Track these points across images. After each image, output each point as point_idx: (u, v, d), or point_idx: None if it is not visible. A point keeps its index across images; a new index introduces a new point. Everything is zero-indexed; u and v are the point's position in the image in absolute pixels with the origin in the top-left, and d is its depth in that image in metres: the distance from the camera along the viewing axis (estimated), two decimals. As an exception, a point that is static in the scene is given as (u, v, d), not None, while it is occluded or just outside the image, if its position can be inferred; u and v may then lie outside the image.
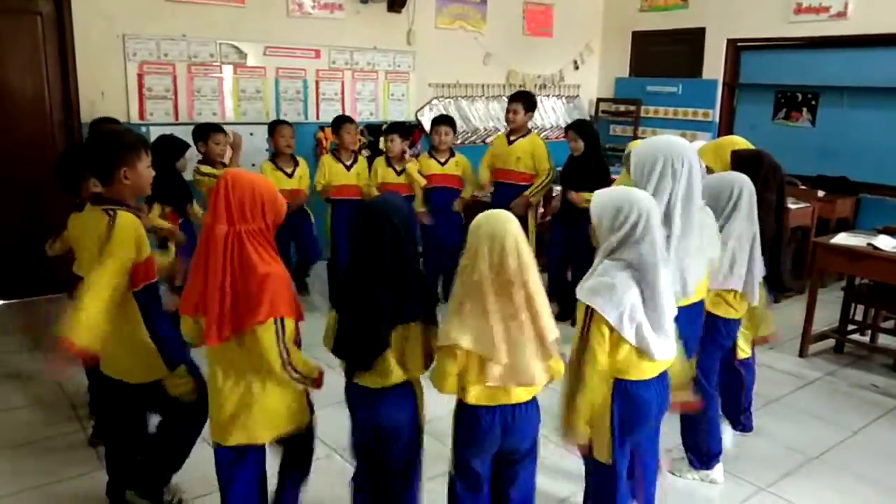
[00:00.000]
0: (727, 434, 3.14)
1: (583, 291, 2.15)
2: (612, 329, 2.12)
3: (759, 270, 2.91)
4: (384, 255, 2.09)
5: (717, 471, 3.06)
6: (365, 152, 6.22)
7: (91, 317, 2.18)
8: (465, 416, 2.14)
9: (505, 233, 1.99)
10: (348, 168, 4.93)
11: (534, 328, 2.01)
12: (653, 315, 2.14)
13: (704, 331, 2.86)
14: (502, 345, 1.99)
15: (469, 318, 2.00)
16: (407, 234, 2.14)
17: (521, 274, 1.99)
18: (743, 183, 2.82)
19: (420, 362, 2.18)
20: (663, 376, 2.29)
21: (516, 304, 1.99)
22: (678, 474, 3.07)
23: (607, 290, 2.11)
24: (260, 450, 2.32)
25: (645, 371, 2.21)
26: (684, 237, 2.44)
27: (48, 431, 3.33)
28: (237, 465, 2.27)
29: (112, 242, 2.27)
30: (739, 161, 3.11)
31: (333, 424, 2.69)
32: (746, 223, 2.81)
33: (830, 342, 4.60)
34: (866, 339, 4.66)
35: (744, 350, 3.28)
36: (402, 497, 2.34)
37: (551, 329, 2.04)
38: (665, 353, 2.20)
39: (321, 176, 4.91)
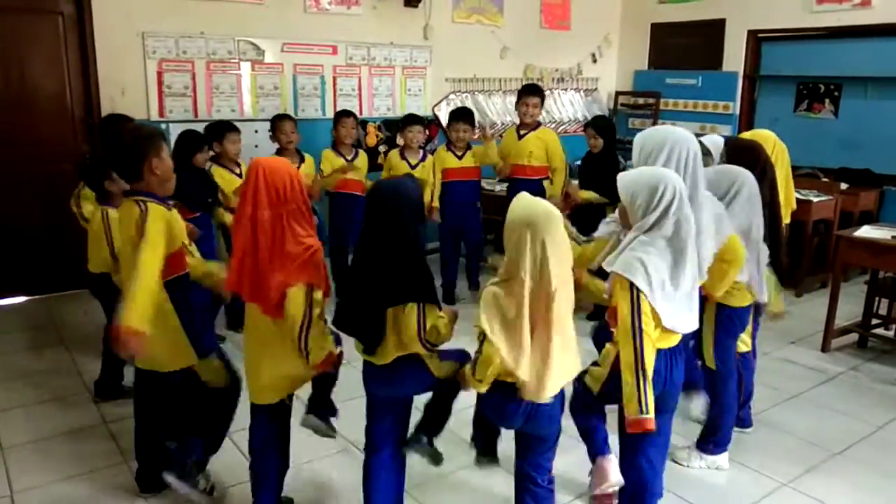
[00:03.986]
0: (700, 400, 3.06)
1: (617, 264, 2.15)
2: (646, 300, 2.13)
3: (764, 262, 2.88)
4: (388, 232, 2.13)
5: (723, 457, 3.06)
6: (382, 148, 6.25)
7: (140, 301, 2.27)
8: (493, 393, 2.12)
9: (545, 240, 1.94)
10: (349, 162, 4.89)
11: (560, 338, 1.99)
12: (680, 288, 2.14)
13: (716, 322, 2.86)
14: (527, 361, 1.98)
15: (502, 310, 1.99)
16: (411, 216, 2.16)
17: (560, 278, 1.96)
18: (745, 177, 2.78)
19: (416, 341, 2.16)
20: (675, 350, 2.27)
21: (547, 311, 1.96)
22: (685, 464, 3.06)
23: (640, 263, 2.11)
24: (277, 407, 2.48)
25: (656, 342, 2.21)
26: (697, 222, 2.45)
27: (73, 425, 3.38)
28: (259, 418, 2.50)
29: (147, 232, 2.35)
30: (735, 152, 3.04)
31: (348, 419, 2.71)
32: (745, 215, 2.76)
33: (854, 337, 4.54)
34: (890, 333, 4.59)
35: (745, 343, 3.24)
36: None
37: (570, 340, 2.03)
38: (689, 324, 2.20)
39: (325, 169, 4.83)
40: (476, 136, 5.15)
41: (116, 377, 3.59)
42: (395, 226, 2.13)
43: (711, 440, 3.05)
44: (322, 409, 2.57)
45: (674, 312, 2.17)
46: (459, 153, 5.03)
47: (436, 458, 2.48)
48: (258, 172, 2.21)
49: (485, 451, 2.56)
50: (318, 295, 2.27)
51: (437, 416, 2.46)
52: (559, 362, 2.00)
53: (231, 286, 2.30)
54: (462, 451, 2.82)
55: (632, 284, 2.10)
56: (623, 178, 2.23)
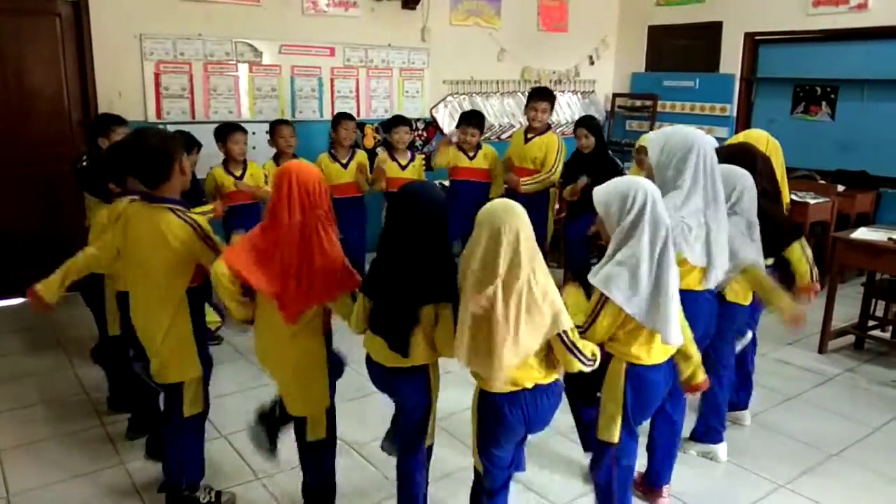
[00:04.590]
0: (722, 447, 3.15)
1: (598, 278, 2.16)
2: (627, 316, 2.15)
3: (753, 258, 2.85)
4: (417, 234, 2.13)
5: (722, 449, 3.12)
6: (380, 149, 6.25)
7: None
8: (487, 405, 2.14)
9: (503, 226, 1.97)
10: (344, 166, 4.88)
11: (511, 328, 1.96)
12: (664, 299, 2.15)
13: (718, 315, 2.86)
14: (463, 347, 2.01)
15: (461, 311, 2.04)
16: (441, 217, 2.18)
17: (511, 271, 1.96)
18: (745, 178, 2.78)
19: (451, 342, 2.15)
20: (670, 360, 2.33)
21: (495, 302, 1.96)
22: (681, 451, 3.05)
23: (622, 278, 2.12)
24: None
25: (655, 356, 2.25)
26: (720, 227, 2.46)
27: (69, 427, 3.38)
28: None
29: (204, 242, 2.42)
30: (729, 156, 3.06)
31: (350, 420, 2.71)
32: (747, 215, 2.76)
33: (850, 338, 4.55)
34: (887, 335, 4.60)
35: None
36: (408, 463, 2.43)
37: (534, 333, 2.01)
38: (678, 337, 2.21)
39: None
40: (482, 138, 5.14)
41: (127, 388, 3.38)
42: (428, 226, 2.14)
43: (704, 428, 3.12)
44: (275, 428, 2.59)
45: (662, 321, 2.16)
46: (471, 153, 5.03)
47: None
48: (291, 177, 2.23)
49: None
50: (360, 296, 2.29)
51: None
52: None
53: (274, 293, 2.29)
54: (463, 451, 2.83)
55: (602, 296, 2.14)
56: (597, 192, 2.24)
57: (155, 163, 2.42)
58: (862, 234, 4.34)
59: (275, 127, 4.73)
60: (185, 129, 4.38)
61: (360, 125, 6.18)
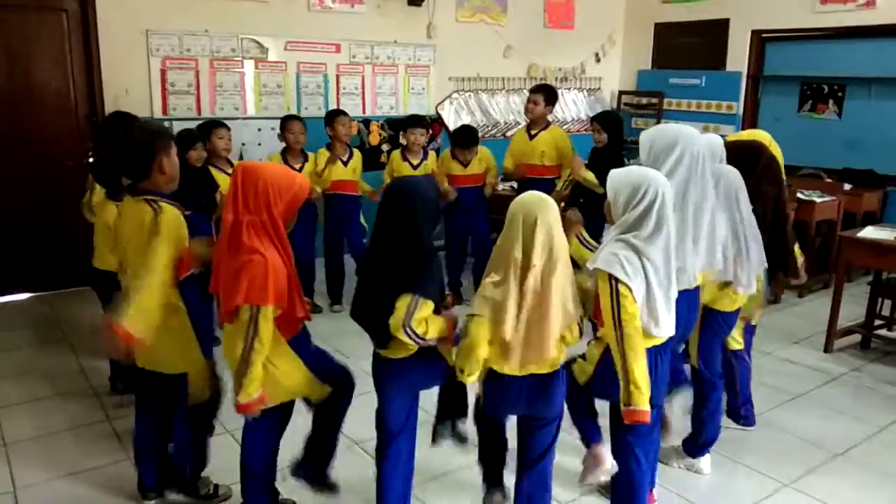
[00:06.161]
0: (705, 459, 3.09)
1: (599, 261, 2.16)
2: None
3: (756, 260, 2.82)
4: (394, 233, 2.16)
5: (705, 461, 3.05)
6: (385, 146, 6.25)
7: (146, 308, 2.28)
8: (494, 381, 2.20)
9: (538, 219, 2.05)
10: (345, 163, 4.86)
11: (550, 310, 2.06)
12: (659, 290, 2.15)
13: (703, 322, 2.85)
14: (513, 322, 2.06)
15: (492, 293, 2.08)
16: (424, 214, 2.19)
17: (549, 261, 2.04)
18: (722, 172, 2.75)
19: (400, 329, 2.12)
20: (661, 348, 2.28)
21: (534, 287, 2.05)
22: (665, 461, 3.03)
23: (619, 258, 2.12)
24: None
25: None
26: (696, 225, 2.44)
27: (75, 421, 3.39)
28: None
29: (160, 236, 2.34)
30: (736, 153, 3.03)
31: (354, 417, 2.71)
32: (724, 213, 2.71)
33: (856, 337, 4.53)
34: (893, 334, 4.59)
35: (737, 341, 3.24)
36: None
37: (567, 315, 2.10)
38: (667, 329, 2.21)
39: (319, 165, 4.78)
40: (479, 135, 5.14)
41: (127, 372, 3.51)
42: (407, 224, 2.16)
43: (694, 442, 3.03)
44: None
45: (651, 312, 2.16)
46: (465, 162, 5.02)
47: (462, 440, 2.65)
48: (234, 175, 2.21)
49: (492, 482, 2.59)
50: (267, 312, 2.14)
51: (454, 401, 2.56)
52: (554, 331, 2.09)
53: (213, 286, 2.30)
54: (463, 451, 2.83)
55: (611, 276, 2.11)
56: (611, 176, 2.25)
57: (134, 158, 2.43)
58: (868, 232, 4.32)
59: (285, 122, 4.72)
60: (190, 125, 4.39)
61: (366, 122, 6.18)
